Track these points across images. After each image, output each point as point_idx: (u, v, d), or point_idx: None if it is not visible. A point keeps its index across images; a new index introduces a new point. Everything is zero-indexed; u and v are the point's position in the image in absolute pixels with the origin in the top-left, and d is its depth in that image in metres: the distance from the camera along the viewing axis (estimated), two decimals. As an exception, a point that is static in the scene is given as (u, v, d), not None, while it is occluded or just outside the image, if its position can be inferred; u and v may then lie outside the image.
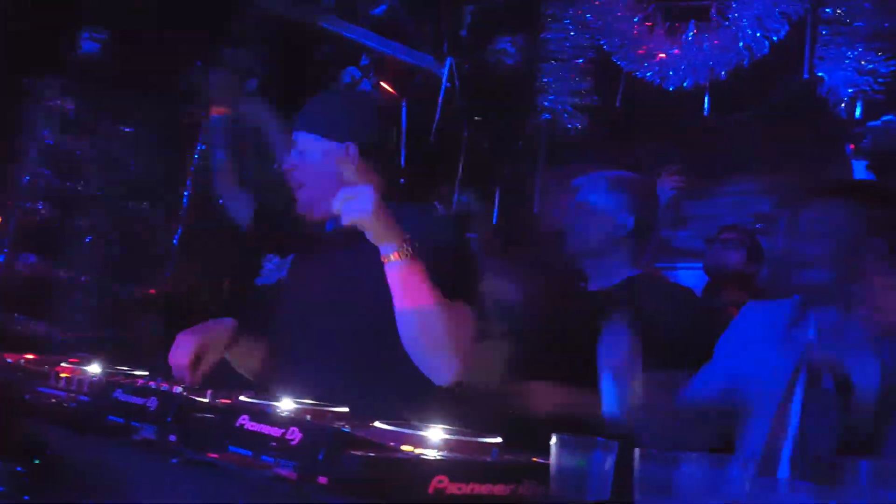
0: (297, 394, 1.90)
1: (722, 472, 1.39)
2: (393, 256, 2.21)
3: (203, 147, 5.41)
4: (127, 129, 4.51)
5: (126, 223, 4.51)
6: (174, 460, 1.20)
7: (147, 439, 1.50)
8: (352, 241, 2.39)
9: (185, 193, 5.21)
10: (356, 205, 2.21)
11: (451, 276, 2.31)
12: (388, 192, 2.56)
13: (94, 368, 2.40)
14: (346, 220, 2.23)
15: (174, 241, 4.92)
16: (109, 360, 2.54)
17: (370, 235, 2.23)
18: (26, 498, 0.92)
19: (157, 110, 4.79)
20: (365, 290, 2.37)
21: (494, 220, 3.99)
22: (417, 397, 2.31)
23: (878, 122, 2.89)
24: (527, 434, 1.86)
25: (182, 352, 2.41)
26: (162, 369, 3.23)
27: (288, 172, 2.61)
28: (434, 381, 2.29)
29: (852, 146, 2.96)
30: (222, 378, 2.48)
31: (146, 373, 2.62)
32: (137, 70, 5.06)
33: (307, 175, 2.57)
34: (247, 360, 2.65)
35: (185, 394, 1.96)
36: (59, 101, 4.28)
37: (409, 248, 2.22)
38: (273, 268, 3.71)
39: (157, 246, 4.71)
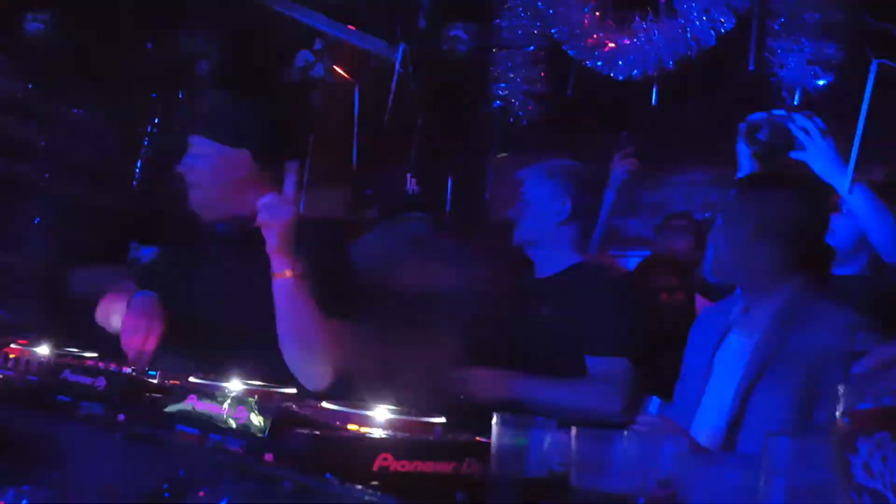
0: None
1: (655, 448, 1.44)
2: (286, 273, 2.32)
3: (153, 130, 5.39)
4: (75, 112, 4.46)
5: (73, 206, 4.47)
6: (118, 434, 1.22)
7: (94, 414, 1.52)
8: (242, 245, 2.48)
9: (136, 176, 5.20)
10: (277, 212, 2.30)
11: (331, 292, 2.39)
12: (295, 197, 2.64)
13: (43, 350, 2.42)
14: (261, 222, 2.30)
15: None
16: (59, 341, 2.55)
17: (272, 245, 2.31)
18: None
19: (104, 93, 4.76)
20: (252, 293, 2.42)
21: (447, 207, 4.04)
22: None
23: (764, 115, 3.00)
24: (469, 415, 1.91)
25: (137, 336, 2.44)
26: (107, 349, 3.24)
27: (183, 173, 2.63)
28: (306, 387, 2.34)
29: (747, 133, 3.04)
30: None
31: (95, 354, 2.63)
32: (85, 52, 5.03)
33: (201, 177, 2.59)
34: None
35: (133, 374, 1.98)
36: (4, 83, 4.23)
37: (300, 268, 2.32)
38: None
39: (104, 230, 4.68)
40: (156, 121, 5.43)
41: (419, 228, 3.27)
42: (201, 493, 0.73)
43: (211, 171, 2.58)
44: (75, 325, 3.97)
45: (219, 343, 2.42)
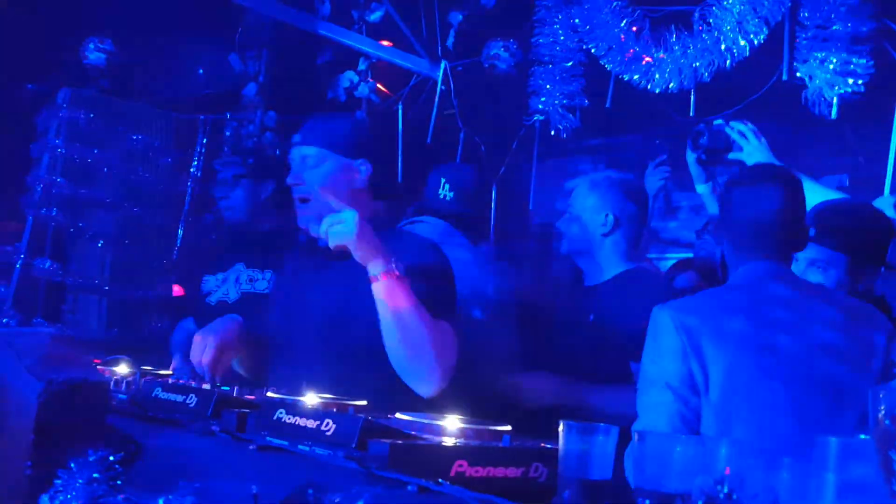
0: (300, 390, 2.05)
1: (714, 451, 1.56)
2: (381, 277, 2.34)
3: (202, 149, 5.56)
4: (134, 136, 4.64)
5: (133, 227, 4.65)
6: (251, 447, 1.36)
7: (210, 428, 1.65)
8: (343, 257, 2.52)
9: (187, 196, 5.36)
10: (340, 229, 2.35)
11: (432, 296, 2.42)
12: (385, 210, 2.74)
13: (122, 368, 2.57)
14: (332, 244, 2.37)
15: (177, 244, 5.08)
16: (131, 360, 2.72)
17: (357, 257, 2.36)
18: (119, 483, 1.08)
19: (158, 117, 4.93)
20: (359, 303, 2.47)
21: (492, 219, 4.14)
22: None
23: (704, 124, 3.33)
24: (525, 422, 2.04)
25: (205, 351, 2.56)
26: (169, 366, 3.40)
27: (293, 186, 2.66)
28: (417, 393, 2.40)
29: (691, 140, 3.37)
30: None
31: (170, 371, 2.79)
32: (141, 78, 5.21)
33: (314, 190, 2.62)
34: (249, 359, 2.80)
35: (217, 391, 2.13)
36: (68, 111, 4.41)
37: (395, 269, 2.35)
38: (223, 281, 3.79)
39: (162, 249, 4.86)
40: (204, 141, 5.60)
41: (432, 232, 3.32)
42: (337, 499, 0.85)
43: (330, 183, 2.61)
44: (145, 344, 4.16)
45: (312, 358, 2.53)
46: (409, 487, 1.15)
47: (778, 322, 2.32)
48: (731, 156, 3.30)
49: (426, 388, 2.41)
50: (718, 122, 3.34)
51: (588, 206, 3.27)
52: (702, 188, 3.53)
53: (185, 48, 5.41)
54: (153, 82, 5.39)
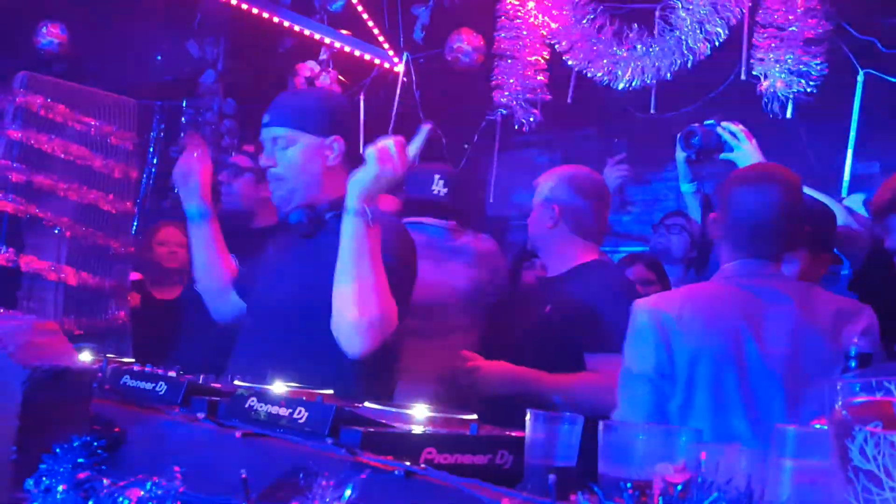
0: (262, 376, 2.08)
1: (676, 441, 1.62)
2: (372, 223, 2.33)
3: (159, 135, 5.52)
4: (91, 122, 4.58)
5: (90, 213, 4.59)
6: (236, 434, 1.38)
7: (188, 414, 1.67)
8: (312, 234, 2.61)
9: (143, 183, 5.32)
10: (395, 160, 2.31)
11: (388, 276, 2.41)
12: None
13: (86, 356, 2.56)
14: (382, 168, 2.30)
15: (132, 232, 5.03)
16: (94, 348, 2.70)
17: (367, 192, 2.32)
18: (104, 468, 1.09)
19: (116, 103, 4.87)
20: (317, 279, 2.48)
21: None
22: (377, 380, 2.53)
23: (697, 124, 3.40)
24: (491, 412, 2.09)
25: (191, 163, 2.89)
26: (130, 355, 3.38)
27: (266, 167, 2.68)
28: (349, 349, 2.39)
29: (683, 139, 3.44)
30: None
31: (132, 359, 2.78)
32: (96, 63, 5.15)
33: (291, 169, 2.65)
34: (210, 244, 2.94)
35: (187, 379, 2.13)
36: (25, 95, 4.34)
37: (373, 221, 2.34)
38: None
39: (119, 235, 4.80)
40: (161, 127, 5.56)
41: (431, 235, 3.39)
42: (327, 483, 0.88)
43: (304, 163, 2.64)
44: (103, 332, 4.12)
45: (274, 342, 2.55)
46: (397, 472, 1.18)
47: (754, 318, 2.38)
48: (723, 156, 3.36)
49: (357, 343, 2.39)
50: (710, 122, 3.38)
51: (538, 201, 3.32)
52: (686, 187, 3.60)
53: (142, 34, 5.36)
54: (110, 67, 5.32)
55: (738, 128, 3.34)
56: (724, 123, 3.36)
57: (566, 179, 3.31)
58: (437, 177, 3.42)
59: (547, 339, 3.17)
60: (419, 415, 1.81)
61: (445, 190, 3.41)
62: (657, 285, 3.91)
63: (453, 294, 3.33)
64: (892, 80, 3.58)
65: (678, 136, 3.46)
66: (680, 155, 3.49)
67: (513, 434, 1.77)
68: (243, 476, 0.94)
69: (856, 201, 3.25)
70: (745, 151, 3.29)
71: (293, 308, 2.60)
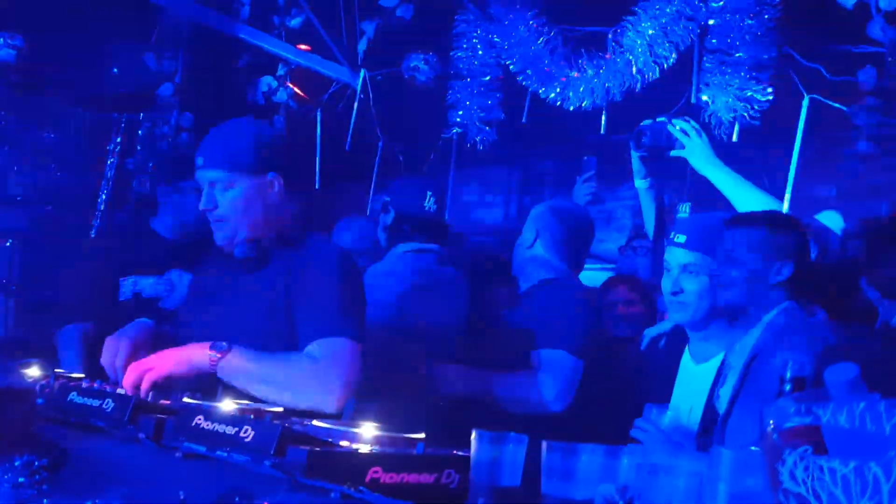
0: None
1: (616, 461, 1.66)
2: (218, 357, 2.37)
3: (116, 147, 5.48)
4: (46, 135, 4.57)
5: (44, 226, 4.57)
6: (177, 454, 1.38)
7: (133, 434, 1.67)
8: (259, 267, 2.63)
9: (101, 195, 5.28)
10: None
11: (336, 310, 2.47)
12: (303, 211, 2.79)
13: (34, 371, 2.54)
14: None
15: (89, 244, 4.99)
16: (42, 363, 2.68)
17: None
18: (45, 488, 1.10)
19: (73, 115, 4.85)
20: (266, 313, 2.56)
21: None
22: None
23: (649, 122, 3.49)
24: (439, 431, 2.11)
25: (116, 355, 2.55)
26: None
27: (208, 211, 2.64)
28: (323, 409, 2.38)
29: (634, 139, 3.53)
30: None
31: (82, 375, 2.76)
32: (53, 75, 5.11)
33: (231, 211, 2.62)
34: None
35: (134, 396, 2.14)
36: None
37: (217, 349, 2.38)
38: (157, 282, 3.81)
39: (73, 249, 4.77)
40: (118, 140, 5.52)
41: (430, 262, 3.44)
42: (264, 503, 0.89)
43: (244, 204, 2.61)
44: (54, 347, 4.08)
45: None
46: (333, 495, 1.20)
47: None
48: (674, 153, 3.44)
49: (326, 403, 2.41)
50: (662, 119, 3.46)
51: (525, 227, 3.49)
52: (640, 183, 3.69)
53: (99, 46, 5.32)
54: (66, 79, 5.28)
55: (689, 124, 3.42)
56: (674, 120, 3.44)
57: (550, 209, 3.48)
58: (429, 193, 3.44)
59: (506, 345, 3.33)
60: (367, 433, 1.82)
61: (436, 207, 3.45)
62: (639, 306, 3.98)
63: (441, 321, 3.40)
64: (837, 105, 3.67)
65: (630, 135, 3.57)
66: (634, 154, 3.60)
67: (459, 453, 1.79)
68: (181, 498, 0.96)
69: (833, 216, 3.29)
70: (696, 148, 3.37)
71: (242, 337, 2.57)
